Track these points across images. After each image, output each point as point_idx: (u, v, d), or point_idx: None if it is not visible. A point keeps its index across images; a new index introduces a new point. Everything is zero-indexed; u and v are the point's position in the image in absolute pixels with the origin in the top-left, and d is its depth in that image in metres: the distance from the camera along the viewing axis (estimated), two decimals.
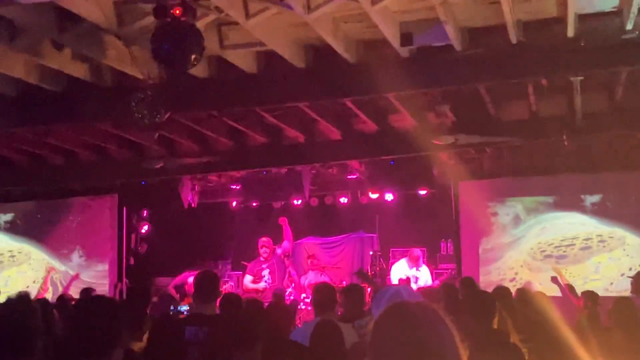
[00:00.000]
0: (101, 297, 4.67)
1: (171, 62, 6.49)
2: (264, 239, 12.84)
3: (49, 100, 9.46)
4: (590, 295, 9.72)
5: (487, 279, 12.63)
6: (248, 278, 12.61)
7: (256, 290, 12.18)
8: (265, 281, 12.29)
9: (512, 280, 12.78)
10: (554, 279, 11.25)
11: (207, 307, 6.25)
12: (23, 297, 3.88)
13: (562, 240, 12.93)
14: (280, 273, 12.62)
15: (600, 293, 10.12)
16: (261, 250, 12.65)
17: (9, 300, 4.03)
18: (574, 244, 12.86)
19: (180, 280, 12.08)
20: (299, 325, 9.28)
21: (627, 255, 12.53)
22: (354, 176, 14.57)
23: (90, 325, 3.38)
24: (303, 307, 12.41)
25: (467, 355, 2.27)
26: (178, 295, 11.02)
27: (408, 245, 14.13)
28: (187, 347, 5.84)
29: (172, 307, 9.55)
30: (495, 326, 5.10)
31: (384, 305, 2.61)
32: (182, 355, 5.74)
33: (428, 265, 13.41)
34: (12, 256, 15.45)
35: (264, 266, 12.53)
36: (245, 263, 13.35)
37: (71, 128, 11.30)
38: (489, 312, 5.02)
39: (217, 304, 6.72)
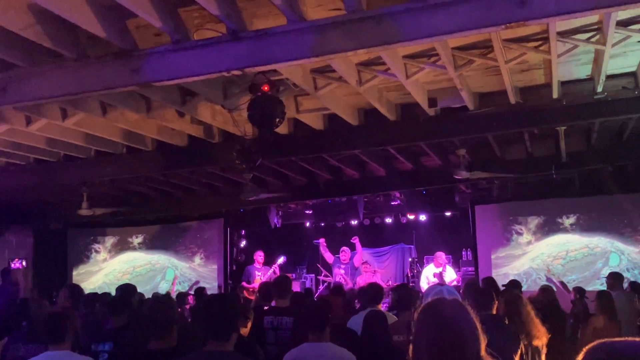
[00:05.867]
0: (224, 295, 4.78)
1: (262, 124, 6.53)
2: (344, 248, 13.34)
3: (175, 152, 9.70)
4: (579, 290, 9.58)
5: (499, 279, 12.43)
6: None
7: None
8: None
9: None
10: (549, 279, 11.10)
11: (281, 302, 6.32)
12: (166, 295, 4.02)
13: (558, 254, 12.77)
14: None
15: (586, 287, 10.00)
16: (341, 254, 13.20)
17: (158, 297, 4.16)
18: (564, 255, 12.68)
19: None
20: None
21: (603, 257, 12.35)
22: (396, 202, 14.50)
23: (216, 315, 3.37)
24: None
25: (486, 339, 2.32)
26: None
27: None
28: (266, 331, 5.92)
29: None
30: (494, 312, 5.10)
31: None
32: (263, 337, 5.81)
33: (452, 268, 13.28)
34: (147, 264, 15.71)
35: (342, 265, 12.85)
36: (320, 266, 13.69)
37: (191, 172, 11.53)
38: (488, 302, 5.04)
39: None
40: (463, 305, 2.40)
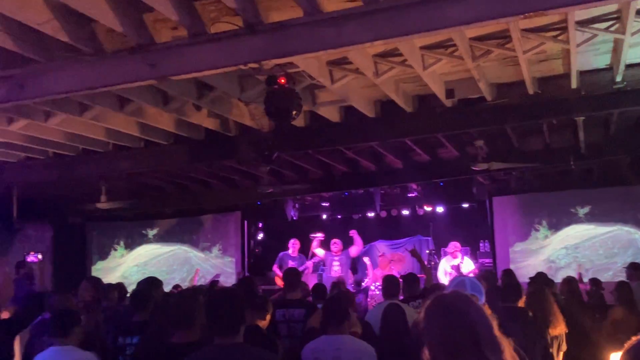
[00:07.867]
0: (229, 289, 4.73)
1: (278, 117, 6.50)
2: (335, 240, 12.85)
3: (193, 146, 9.76)
4: (595, 281, 9.54)
5: (518, 272, 12.35)
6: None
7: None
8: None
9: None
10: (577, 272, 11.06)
11: (292, 294, 6.32)
12: (192, 289, 4.04)
13: (573, 244, 12.69)
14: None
15: (602, 279, 9.95)
16: (332, 246, 12.74)
17: (183, 291, 4.16)
18: (581, 247, 12.61)
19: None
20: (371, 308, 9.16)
21: (619, 248, 12.26)
22: (413, 194, 14.43)
23: (223, 308, 3.36)
24: (377, 292, 12.28)
25: (498, 323, 2.31)
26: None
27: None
28: (278, 324, 5.93)
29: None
30: (521, 305, 5.07)
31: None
32: (276, 330, 5.79)
33: (470, 258, 13.16)
34: (165, 256, 15.81)
35: (335, 258, 12.64)
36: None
37: (208, 165, 11.55)
38: (516, 295, 5.01)
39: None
40: (464, 295, 2.41)
